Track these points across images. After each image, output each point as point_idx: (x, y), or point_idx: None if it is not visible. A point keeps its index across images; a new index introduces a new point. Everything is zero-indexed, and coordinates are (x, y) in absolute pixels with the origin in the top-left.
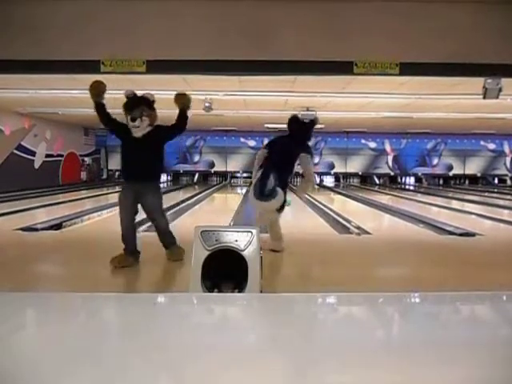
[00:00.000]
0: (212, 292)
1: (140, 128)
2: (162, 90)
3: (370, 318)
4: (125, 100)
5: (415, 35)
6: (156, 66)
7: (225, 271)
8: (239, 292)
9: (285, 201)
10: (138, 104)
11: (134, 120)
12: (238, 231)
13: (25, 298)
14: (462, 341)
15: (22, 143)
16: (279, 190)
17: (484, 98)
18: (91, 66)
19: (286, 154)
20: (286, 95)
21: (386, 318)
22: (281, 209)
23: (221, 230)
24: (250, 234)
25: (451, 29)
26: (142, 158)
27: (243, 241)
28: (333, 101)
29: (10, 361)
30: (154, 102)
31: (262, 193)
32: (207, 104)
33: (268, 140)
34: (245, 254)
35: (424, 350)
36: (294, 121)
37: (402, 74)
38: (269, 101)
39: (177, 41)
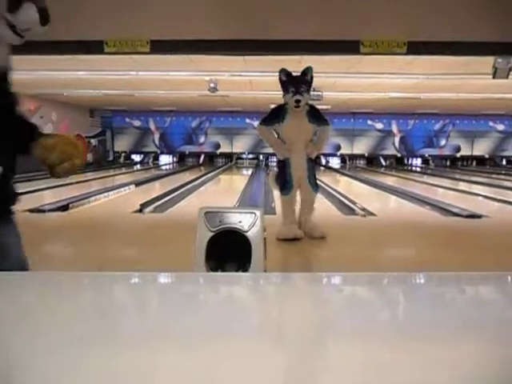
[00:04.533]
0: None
1: None
2: (166, 71)
3: (374, 298)
4: None
5: (423, 13)
6: (160, 46)
7: (229, 252)
8: (243, 272)
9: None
10: None
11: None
12: (241, 212)
13: (33, 276)
14: (466, 321)
15: None
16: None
17: (494, 77)
18: (95, 47)
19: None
20: None
21: (390, 299)
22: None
23: (225, 212)
24: (253, 215)
25: (461, 6)
26: None
27: (247, 222)
28: (339, 81)
29: (19, 340)
30: None
31: (315, 183)
32: (212, 85)
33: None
34: (248, 234)
35: (428, 330)
36: (284, 75)
37: (409, 53)
38: (274, 81)
39: (181, 20)
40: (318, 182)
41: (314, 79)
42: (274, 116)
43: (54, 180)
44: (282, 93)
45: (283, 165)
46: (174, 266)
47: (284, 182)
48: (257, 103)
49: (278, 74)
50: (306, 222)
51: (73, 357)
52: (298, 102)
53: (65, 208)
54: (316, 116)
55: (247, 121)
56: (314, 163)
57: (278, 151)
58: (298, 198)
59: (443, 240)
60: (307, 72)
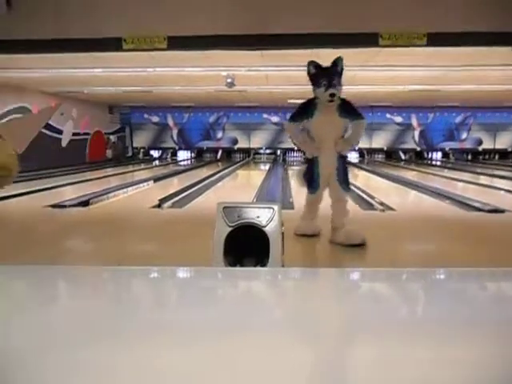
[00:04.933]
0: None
1: None
2: (183, 67)
3: (394, 294)
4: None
5: (443, 3)
6: (177, 42)
7: (247, 247)
8: (261, 267)
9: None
10: None
11: None
12: (259, 207)
13: (55, 270)
14: (487, 318)
15: (50, 122)
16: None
17: None
18: (112, 44)
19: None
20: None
21: (410, 294)
22: None
23: (243, 207)
24: (271, 210)
25: None
26: None
27: (265, 217)
28: (359, 74)
29: (40, 332)
30: None
31: (346, 182)
32: (229, 80)
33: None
34: (266, 229)
35: (449, 326)
36: (314, 68)
37: (429, 44)
38: (291, 75)
39: (197, 16)
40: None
41: None
42: (303, 112)
43: (75, 176)
44: (298, 87)
45: (311, 163)
46: (192, 260)
47: (311, 181)
48: (274, 98)
49: (306, 66)
50: (340, 228)
51: (92, 349)
52: (332, 95)
53: (85, 204)
54: (348, 110)
55: (264, 116)
56: (345, 160)
57: (306, 150)
58: (326, 195)
59: (463, 235)
60: (338, 63)
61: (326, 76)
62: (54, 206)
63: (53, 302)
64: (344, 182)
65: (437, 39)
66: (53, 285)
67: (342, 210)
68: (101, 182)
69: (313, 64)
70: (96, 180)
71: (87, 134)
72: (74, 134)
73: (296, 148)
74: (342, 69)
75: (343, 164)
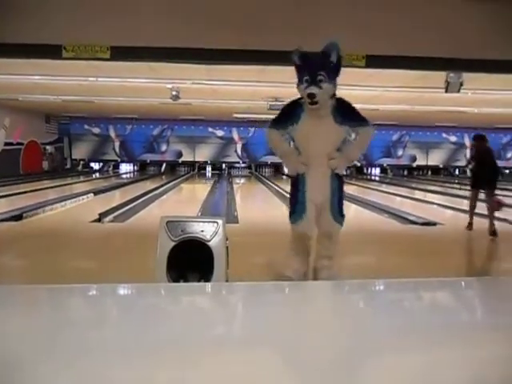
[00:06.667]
0: (178, 282)
1: None
2: (128, 78)
3: (337, 305)
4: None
5: (382, 28)
6: (121, 53)
7: (191, 261)
8: (205, 282)
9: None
10: None
11: None
12: (203, 221)
13: None
14: (422, 326)
15: None
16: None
17: (446, 91)
18: (52, 51)
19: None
20: (254, 85)
21: (350, 305)
22: None
23: (187, 221)
24: (216, 224)
25: (417, 23)
26: None
27: (209, 231)
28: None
29: None
30: None
31: (341, 212)
32: (174, 93)
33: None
34: (211, 244)
35: (389, 334)
36: (299, 58)
37: (368, 66)
38: (237, 90)
39: (143, 27)
40: (342, 207)
41: (276, 89)
42: (287, 115)
43: (7, 188)
44: (243, 101)
45: (296, 182)
46: (134, 277)
47: (295, 205)
48: (219, 112)
49: (291, 56)
50: (324, 269)
51: (31, 368)
52: (311, 96)
53: (18, 218)
54: (346, 114)
55: (210, 129)
56: (341, 182)
57: (288, 164)
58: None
59: (401, 247)
60: (330, 51)
61: (309, 69)
62: None
63: None
64: (338, 210)
65: (374, 61)
66: None
67: (329, 245)
68: (36, 195)
69: (298, 53)
70: (31, 192)
71: (21, 144)
72: (6, 144)
73: (241, 163)
74: (340, 60)
75: (339, 187)
